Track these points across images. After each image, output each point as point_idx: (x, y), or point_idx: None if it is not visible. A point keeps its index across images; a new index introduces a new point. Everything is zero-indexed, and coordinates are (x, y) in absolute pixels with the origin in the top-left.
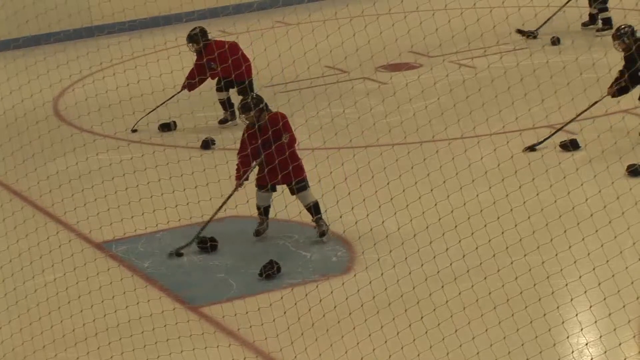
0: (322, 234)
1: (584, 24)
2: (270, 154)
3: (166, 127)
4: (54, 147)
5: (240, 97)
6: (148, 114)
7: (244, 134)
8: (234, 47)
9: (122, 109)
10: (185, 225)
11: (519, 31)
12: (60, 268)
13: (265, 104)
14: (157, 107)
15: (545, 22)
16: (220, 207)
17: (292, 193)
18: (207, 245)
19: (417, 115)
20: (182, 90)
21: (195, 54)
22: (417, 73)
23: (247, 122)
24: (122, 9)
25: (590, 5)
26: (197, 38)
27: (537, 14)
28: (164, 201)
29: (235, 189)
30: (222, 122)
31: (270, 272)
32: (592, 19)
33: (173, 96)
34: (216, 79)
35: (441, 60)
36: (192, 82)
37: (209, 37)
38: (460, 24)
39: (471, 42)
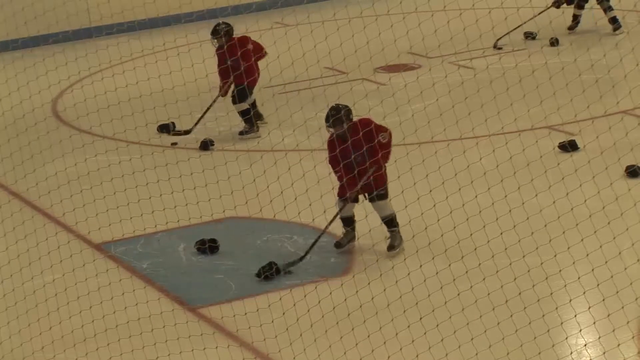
0: (391, 247)
1: (570, 28)
2: (362, 162)
3: (165, 128)
4: (52, 148)
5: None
6: (196, 124)
7: (332, 148)
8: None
9: (121, 110)
10: (184, 227)
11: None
12: (59, 269)
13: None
14: (202, 116)
15: (513, 30)
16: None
17: (371, 201)
18: (207, 246)
19: (416, 116)
20: (220, 95)
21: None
22: (415, 74)
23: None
24: (120, 10)
25: (577, 7)
26: (219, 34)
27: (535, 15)
28: (162, 202)
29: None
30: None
31: (268, 273)
32: (576, 21)
33: (213, 103)
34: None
35: (440, 62)
36: (223, 90)
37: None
38: (459, 25)
39: (470, 43)
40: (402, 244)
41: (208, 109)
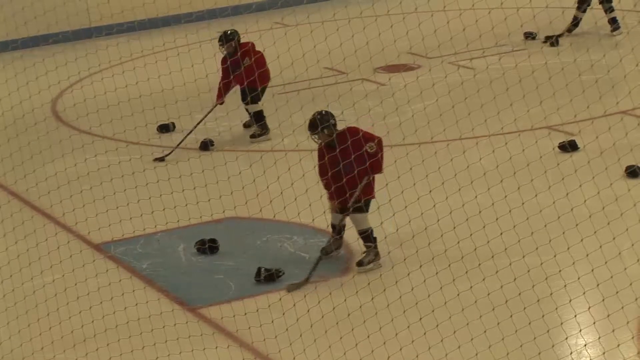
0: (360, 263)
1: (569, 30)
2: (350, 171)
3: (165, 129)
4: (52, 148)
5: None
6: (185, 137)
7: (321, 157)
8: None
9: (121, 110)
10: (183, 227)
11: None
12: (58, 269)
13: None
14: (196, 125)
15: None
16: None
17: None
18: (206, 246)
19: (416, 117)
20: (213, 108)
21: (223, 55)
22: (415, 74)
23: (319, 141)
24: (120, 11)
25: (578, 9)
26: (227, 39)
27: (535, 15)
28: (162, 202)
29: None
30: (246, 125)
31: (268, 274)
32: (575, 23)
33: (211, 110)
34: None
35: (440, 62)
36: (221, 101)
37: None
38: (458, 25)
39: (470, 44)
40: (378, 261)
41: (199, 122)
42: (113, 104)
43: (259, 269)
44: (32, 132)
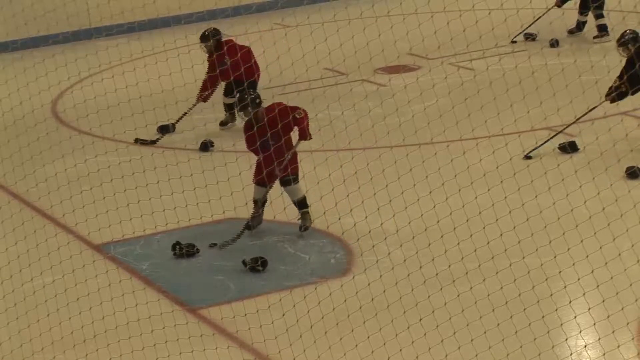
0: (305, 228)
1: (570, 32)
2: (278, 141)
3: (165, 129)
4: (52, 149)
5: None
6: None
7: (246, 133)
8: (247, 53)
9: (121, 111)
10: (183, 228)
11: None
12: (58, 270)
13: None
14: (179, 119)
15: (529, 26)
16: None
17: (285, 185)
18: (184, 252)
19: (416, 118)
20: (197, 103)
21: (207, 54)
22: (415, 75)
23: (246, 118)
24: (120, 12)
25: (580, 13)
26: (209, 37)
27: (535, 16)
28: (162, 203)
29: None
30: (223, 124)
31: (254, 265)
32: (579, 26)
33: (189, 110)
34: (224, 83)
35: (440, 63)
36: (206, 94)
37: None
38: (458, 26)
39: (470, 44)
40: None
41: (183, 115)
42: (113, 105)
43: (243, 261)
44: (32, 133)
